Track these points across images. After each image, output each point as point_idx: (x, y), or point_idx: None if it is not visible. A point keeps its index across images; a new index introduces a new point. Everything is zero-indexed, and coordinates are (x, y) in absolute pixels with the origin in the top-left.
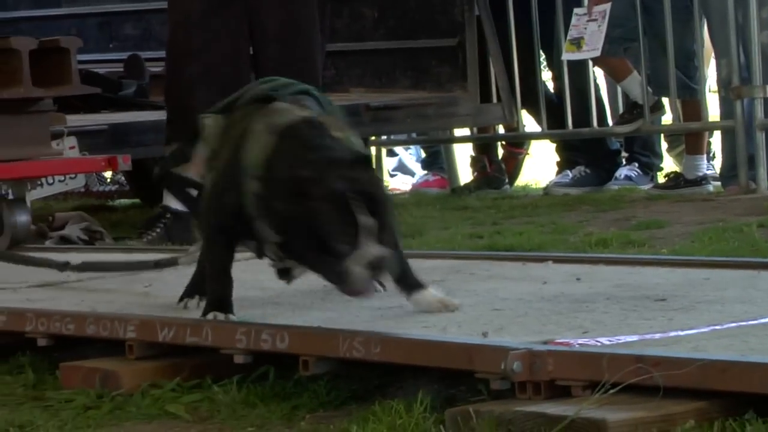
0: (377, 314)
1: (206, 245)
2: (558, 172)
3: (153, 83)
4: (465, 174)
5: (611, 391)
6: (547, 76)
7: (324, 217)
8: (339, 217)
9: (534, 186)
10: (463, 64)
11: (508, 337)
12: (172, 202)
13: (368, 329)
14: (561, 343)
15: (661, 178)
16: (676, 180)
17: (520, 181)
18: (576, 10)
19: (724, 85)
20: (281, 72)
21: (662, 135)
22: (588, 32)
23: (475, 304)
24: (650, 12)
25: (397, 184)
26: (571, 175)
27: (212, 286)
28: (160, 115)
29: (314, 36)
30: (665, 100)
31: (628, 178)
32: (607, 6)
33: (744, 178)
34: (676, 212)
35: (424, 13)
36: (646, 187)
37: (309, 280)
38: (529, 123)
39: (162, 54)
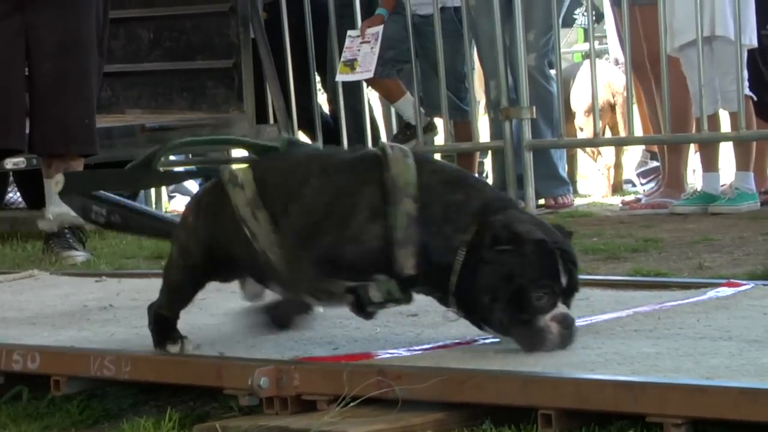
0: (133, 332)
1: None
2: None
3: None
4: None
5: (351, 405)
6: (322, 98)
7: (531, 268)
8: (546, 272)
9: None
10: (239, 85)
11: (259, 354)
12: None
13: (122, 348)
14: (307, 359)
15: None
16: None
17: None
18: (349, 33)
19: (493, 106)
20: (55, 89)
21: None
22: (361, 54)
23: (232, 323)
24: (422, 35)
25: (176, 205)
26: None
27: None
28: None
29: (91, 55)
30: (438, 121)
31: None
32: (380, 28)
33: (513, 197)
34: None
35: (199, 35)
36: None
37: (69, 301)
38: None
39: None
